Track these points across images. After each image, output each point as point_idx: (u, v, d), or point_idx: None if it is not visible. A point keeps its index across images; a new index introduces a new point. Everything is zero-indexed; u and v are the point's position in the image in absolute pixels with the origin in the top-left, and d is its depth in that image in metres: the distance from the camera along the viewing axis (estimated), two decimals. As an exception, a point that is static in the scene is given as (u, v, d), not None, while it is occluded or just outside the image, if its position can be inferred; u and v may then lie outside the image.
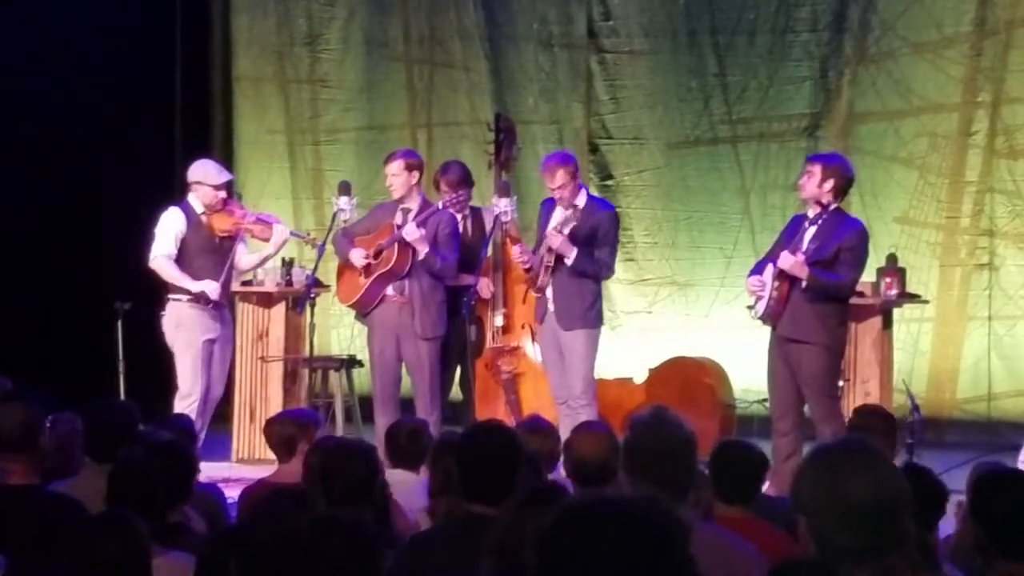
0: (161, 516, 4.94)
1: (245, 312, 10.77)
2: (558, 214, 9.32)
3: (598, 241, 9.24)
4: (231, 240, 9.51)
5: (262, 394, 10.71)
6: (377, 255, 9.49)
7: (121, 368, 10.77)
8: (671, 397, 10.09)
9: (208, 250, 9.46)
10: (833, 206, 8.72)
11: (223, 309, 9.59)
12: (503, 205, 9.37)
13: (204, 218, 9.48)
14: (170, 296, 9.51)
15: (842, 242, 8.60)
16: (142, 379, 10.92)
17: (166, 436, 5.83)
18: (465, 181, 10.05)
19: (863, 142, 11.92)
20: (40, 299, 12.16)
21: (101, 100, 12.30)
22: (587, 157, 12.56)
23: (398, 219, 9.53)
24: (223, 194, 9.57)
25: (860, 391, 9.64)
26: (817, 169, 8.72)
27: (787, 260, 8.58)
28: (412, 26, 13.14)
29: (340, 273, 9.75)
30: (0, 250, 12.07)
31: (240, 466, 10.09)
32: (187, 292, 9.39)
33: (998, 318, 11.53)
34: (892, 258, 10.30)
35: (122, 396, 10.62)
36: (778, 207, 11.83)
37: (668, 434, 4.25)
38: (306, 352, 10.08)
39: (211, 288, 9.35)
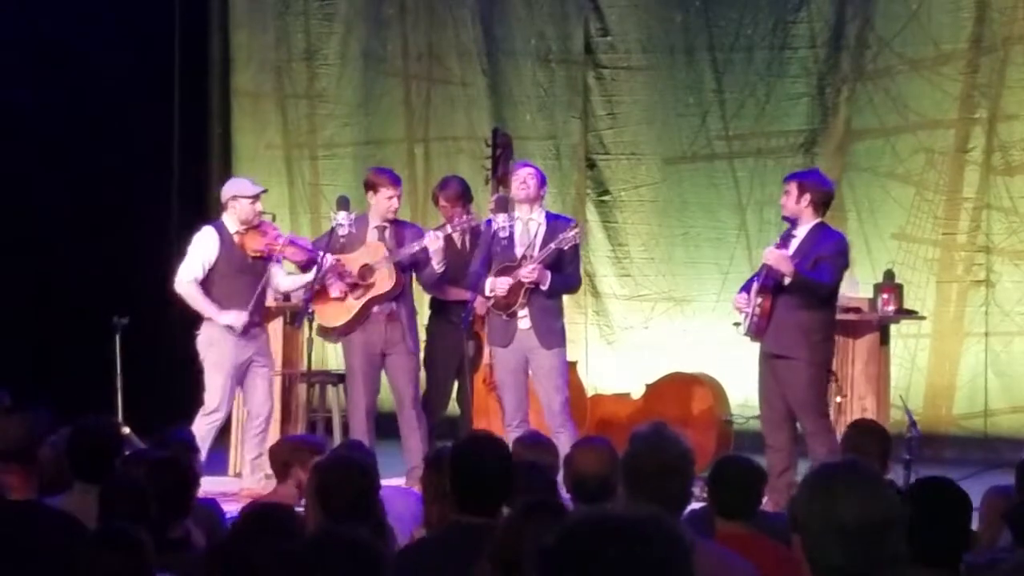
0: (162, 531, 4.94)
1: (242, 327, 10.76)
2: (520, 231, 9.26)
3: (566, 258, 9.24)
4: (264, 261, 9.49)
5: (259, 409, 10.68)
6: (364, 276, 9.52)
7: (119, 383, 10.77)
8: (668, 413, 10.10)
9: (241, 270, 9.44)
10: (816, 221, 8.81)
11: (256, 327, 9.55)
12: (500, 221, 9.36)
13: (238, 237, 9.47)
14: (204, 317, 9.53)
15: (820, 251, 8.69)
16: (141, 394, 10.94)
17: (166, 451, 5.85)
18: (463, 196, 10.09)
19: (860, 159, 11.94)
20: (37, 313, 12.16)
21: (100, 114, 12.31)
22: (584, 173, 12.58)
23: (373, 236, 9.57)
24: (260, 207, 9.58)
25: (857, 407, 9.65)
26: (793, 187, 8.84)
27: (772, 254, 8.66)
28: (410, 42, 13.16)
29: (321, 293, 9.65)
30: (-2, 264, 12.07)
31: (238, 480, 10.08)
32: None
33: (995, 334, 11.53)
34: (889, 274, 10.32)
35: (120, 411, 10.63)
36: (774, 223, 11.79)
37: (667, 450, 4.27)
38: (303, 367, 10.09)
39: (237, 321, 9.35)
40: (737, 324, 8.95)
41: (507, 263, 9.20)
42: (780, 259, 8.64)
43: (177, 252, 12.99)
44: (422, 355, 10.16)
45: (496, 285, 9.16)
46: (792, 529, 3.11)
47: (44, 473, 5.65)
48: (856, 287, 10.29)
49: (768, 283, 8.72)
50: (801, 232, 8.82)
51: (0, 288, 12.01)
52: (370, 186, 9.74)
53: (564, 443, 7.35)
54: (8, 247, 12.04)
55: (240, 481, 9.73)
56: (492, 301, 9.24)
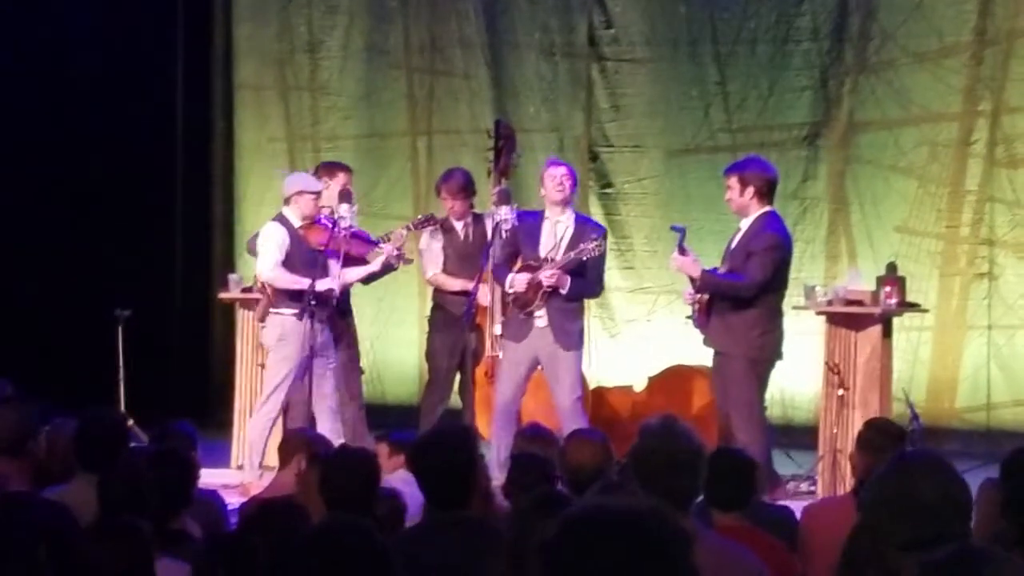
0: (162, 523, 4.94)
1: (245, 319, 10.77)
2: (547, 231, 9.27)
3: (588, 264, 9.24)
4: (324, 254, 9.47)
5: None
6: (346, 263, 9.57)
7: (121, 375, 10.78)
8: (670, 405, 10.09)
9: (306, 263, 9.38)
10: (761, 211, 8.80)
11: (320, 323, 9.50)
12: (503, 213, 9.35)
13: (301, 231, 9.45)
14: (272, 309, 9.45)
15: (751, 247, 8.69)
16: (143, 386, 10.95)
17: (166, 443, 5.85)
18: (466, 189, 10.10)
19: (863, 151, 11.93)
20: (40, 306, 12.17)
21: (103, 108, 12.32)
22: (587, 165, 12.56)
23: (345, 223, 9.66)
24: (322, 202, 9.57)
25: (860, 400, 9.64)
26: (734, 180, 8.85)
27: (676, 261, 8.72)
28: (413, 34, 13.14)
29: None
30: (1, 256, 12.08)
31: (240, 473, 10.08)
32: (291, 306, 9.34)
33: (997, 327, 11.52)
34: (892, 267, 10.30)
35: (122, 403, 10.65)
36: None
37: (677, 444, 4.26)
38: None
39: (333, 284, 9.33)
40: (689, 317, 9.03)
41: (530, 262, 9.22)
42: (684, 265, 8.73)
43: (181, 244, 13.08)
44: (424, 347, 10.27)
45: (514, 283, 9.19)
46: (859, 508, 3.46)
47: (37, 464, 5.65)
48: (859, 280, 10.28)
49: None
50: (745, 224, 8.84)
51: (4, 280, 12.02)
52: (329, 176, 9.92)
53: None
54: (12, 240, 12.05)
55: (240, 474, 9.71)
56: (512, 297, 9.25)
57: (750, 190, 8.78)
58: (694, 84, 12.36)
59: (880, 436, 6.39)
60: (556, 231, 9.30)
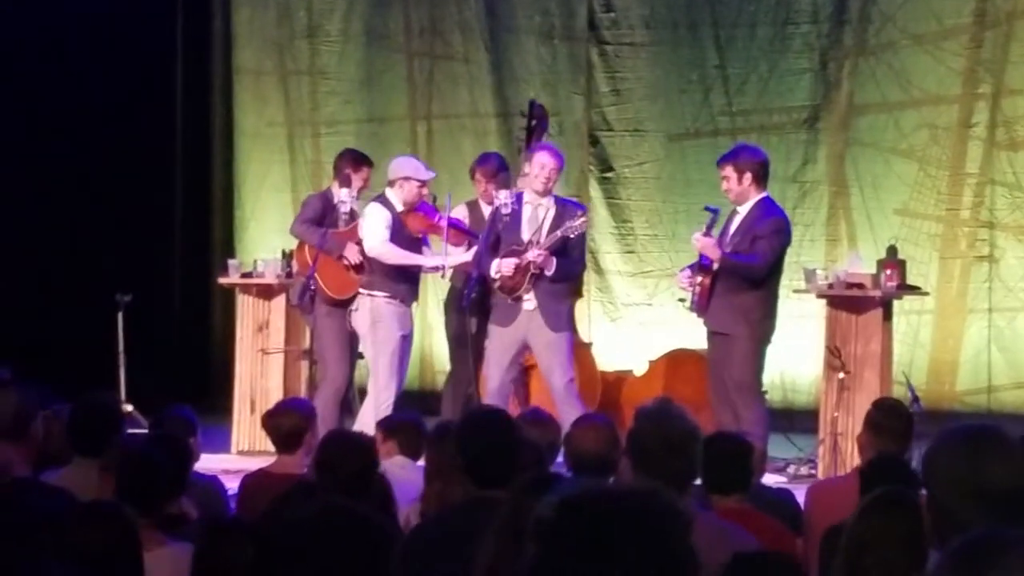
0: (163, 507, 4.94)
1: (245, 304, 10.78)
2: (528, 215, 9.23)
3: (571, 244, 9.22)
4: (418, 242, 9.43)
5: (262, 386, 10.70)
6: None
7: (121, 361, 10.79)
8: (671, 389, 10.10)
9: (406, 248, 9.32)
10: (759, 197, 8.83)
11: (410, 306, 9.48)
12: (503, 197, 9.33)
13: (401, 216, 9.37)
14: (362, 291, 9.32)
15: (757, 231, 8.73)
16: (143, 371, 10.96)
17: (165, 429, 5.85)
18: (499, 174, 10.02)
19: (863, 134, 11.92)
20: (41, 291, 12.17)
21: (102, 91, 12.31)
22: (587, 149, 12.56)
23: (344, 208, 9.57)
24: (426, 191, 9.50)
25: (860, 383, 9.64)
26: (729, 170, 8.87)
27: (699, 241, 8.75)
28: (412, 18, 13.13)
29: (323, 266, 9.56)
30: (1, 241, 12.07)
31: (240, 458, 10.09)
32: (382, 289, 9.25)
33: (998, 310, 11.52)
34: (892, 250, 10.31)
35: (122, 388, 10.66)
36: (776, 199, 11.78)
37: (672, 426, 4.27)
38: (306, 344, 10.08)
39: (441, 261, 9.30)
40: (682, 300, 9.04)
41: (514, 247, 9.19)
42: (706, 246, 8.76)
43: (181, 229, 13.08)
44: (428, 331, 10.22)
45: (501, 267, 9.16)
46: (924, 484, 3.23)
47: (36, 448, 5.65)
48: (859, 263, 10.28)
49: (707, 263, 8.80)
50: (744, 209, 8.87)
51: (4, 265, 12.01)
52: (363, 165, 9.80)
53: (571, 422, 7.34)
54: (11, 225, 12.04)
55: (243, 459, 9.69)
56: (498, 283, 9.22)
57: (747, 176, 8.81)
58: (694, 67, 12.36)
59: (889, 417, 6.39)
60: (537, 214, 9.26)
